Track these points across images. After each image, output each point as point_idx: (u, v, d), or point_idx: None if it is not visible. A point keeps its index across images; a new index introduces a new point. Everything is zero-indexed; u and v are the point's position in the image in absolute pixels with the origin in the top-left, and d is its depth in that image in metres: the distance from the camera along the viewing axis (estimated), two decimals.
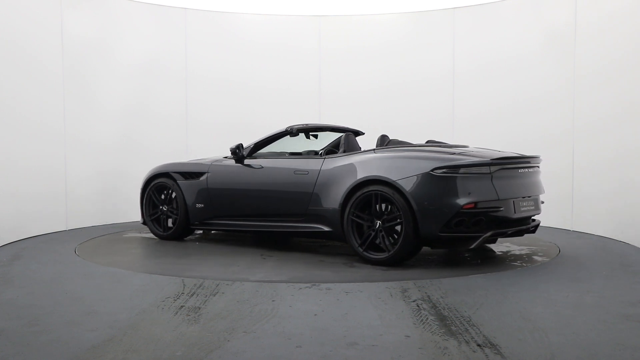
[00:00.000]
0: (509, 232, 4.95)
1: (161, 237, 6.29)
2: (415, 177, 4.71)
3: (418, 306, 3.56)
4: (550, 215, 7.27)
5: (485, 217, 4.66)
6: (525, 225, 5.06)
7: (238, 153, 5.88)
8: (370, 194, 4.87)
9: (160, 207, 6.34)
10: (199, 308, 3.52)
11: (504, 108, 7.84)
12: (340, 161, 5.21)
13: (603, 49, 6.47)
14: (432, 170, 4.66)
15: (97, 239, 6.28)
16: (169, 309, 3.48)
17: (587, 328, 3.13)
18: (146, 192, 6.44)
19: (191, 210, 6.08)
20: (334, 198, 5.09)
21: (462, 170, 4.65)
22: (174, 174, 6.27)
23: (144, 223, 6.47)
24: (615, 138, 6.24)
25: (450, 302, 3.64)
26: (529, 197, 5.02)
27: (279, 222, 5.52)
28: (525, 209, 4.97)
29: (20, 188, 6.27)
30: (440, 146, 5.37)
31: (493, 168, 4.73)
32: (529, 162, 5.11)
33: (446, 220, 4.59)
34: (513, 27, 7.74)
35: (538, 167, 5.28)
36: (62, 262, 5.02)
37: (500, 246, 5.71)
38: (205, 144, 8.03)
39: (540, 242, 5.99)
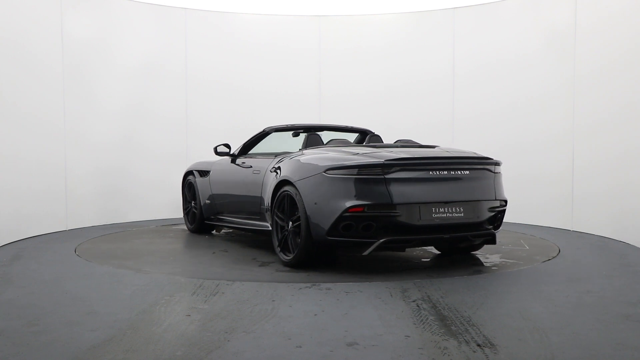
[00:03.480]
0: (421, 242, 4.52)
1: (189, 230, 6.92)
2: (311, 178, 4.58)
3: (418, 306, 3.56)
4: (550, 215, 7.27)
5: (376, 222, 4.30)
6: (447, 234, 4.47)
7: (220, 152, 6.26)
8: (284, 195, 4.87)
9: (190, 202, 6.99)
10: (199, 308, 3.52)
11: (504, 108, 7.84)
12: (278, 161, 5.26)
13: (603, 49, 6.47)
14: (324, 171, 4.47)
15: (97, 239, 6.29)
16: (169, 309, 3.48)
17: (587, 328, 3.12)
18: (182, 189, 7.15)
19: (203, 206, 6.63)
20: (268, 197, 5.20)
21: (351, 171, 4.37)
22: (195, 172, 6.88)
23: None
24: (615, 138, 6.24)
25: (450, 302, 3.64)
26: (452, 202, 4.46)
27: (247, 220, 5.72)
28: (444, 215, 4.42)
29: (20, 188, 6.27)
30: (392, 146, 5.20)
31: (389, 170, 4.34)
32: (452, 164, 4.56)
33: (331, 223, 4.34)
34: (513, 27, 7.74)
35: (486, 169, 4.72)
36: (62, 262, 5.02)
37: (501, 246, 5.71)
38: (205, 144, 8.02)
39: (540, 242, 5.99)
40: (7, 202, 6.05)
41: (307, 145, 5.43)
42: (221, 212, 6.33)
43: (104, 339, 2.93)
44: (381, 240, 4.30)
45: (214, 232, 6.85)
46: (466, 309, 3.48)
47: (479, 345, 2.85)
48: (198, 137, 8.41)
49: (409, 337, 2.98)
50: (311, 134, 5.57)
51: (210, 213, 6.51)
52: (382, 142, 5.86)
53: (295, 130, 6.12)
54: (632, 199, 5.91)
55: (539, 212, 7.44)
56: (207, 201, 6.52)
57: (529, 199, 7.56)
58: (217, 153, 6.31)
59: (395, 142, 5.57)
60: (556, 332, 3.04)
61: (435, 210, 4.40)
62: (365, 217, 4.30)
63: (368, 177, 4.34)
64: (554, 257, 5.19)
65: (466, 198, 4.54)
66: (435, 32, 8.41)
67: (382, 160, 4.38)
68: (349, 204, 4.29)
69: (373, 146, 5.05)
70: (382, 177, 4.33)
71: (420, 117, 8.45)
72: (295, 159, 4.94)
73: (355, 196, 4.31)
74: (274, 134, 6.12)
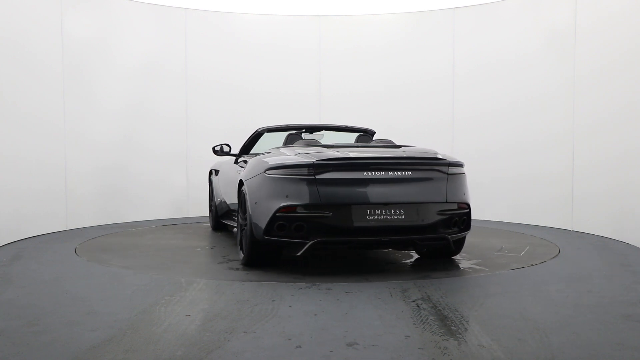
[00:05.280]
0: (356, 244, 4.41)
1: (211, 228, 7.11)
2: (255, 177, 4.60)
3: (418, 306, 3.56)
4: (550, 215, 7.27)
5: (306, 222, 4.25)
6: (386, 237, 4.33)
7: (217, 152, 6.36)
8: (242, 194, 4.92)
9: (211, 200, 7.13)
10: (199, 308, 3.52)
11: (504, 108, 7.84)
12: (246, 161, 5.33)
13: (603, 49, 6.47)
14: (264, 171, 4.48)
15: (97, 239, 6.29)
16: (169, 309, 3.48)
17: (587, 328, 3.12)
18: (208, 187, 7.31)
19: (217, 205, 6.77)
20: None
21: (285, 171, 4.35)
22: (213, 171, 7.06)
23: None
24: (615, 138, 6.24)
25: (450, 302, 3.64)
26: (390, 204, 4.29)
27: (237, 219, 5.72)
28: (381, 218, 4.27)
29: (20, 188, 6.27)
30: (349, 146, 5.19)
31: (320, 170, 4.28)
32: (390, 165, 4.40)
33: (266, 222, 4.32)
34: (513, 27, 7.74)
35: (435, 170, 4.51)
36: (62, 262, 5.02)
37: (503, 243, 5.71)
38: (205, 144, 8.03)
39: (540, 242, 5.99)
40: (7, 202, 6.05)
41: (285, 144, 5.48)
42: (227, 210, 6.40)
43: (104, 339, 2.92)
44: (312, 242, 4.23)
45: (234, 230, 6.78)
46: (466, 309, 3.48)
47: (479, 345, 2.85)
48: (198, 137, 8.41)
49: (409, 337, 2.98)
50: (291, 134, 5.60)
51: (221, 211, 6.63)
52: (370, 141, 5.87)
53: (288, 130, 6.14)
54: (632, 199, 5.91)
55: (539, 212, 7.44)
56: (218, 200, 6.66)
57: (529, 199, 7.57)
58: (215, 153, 6.37)
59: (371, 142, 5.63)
60: (556, 332, 3.04)
61: (370, 212, 4.27)
62: (297, 218, 4.26)
63: (300, 178, 4.30)
64: (554, 257, 5.19)
65: (407, 200, 4.33)
66: (435, 32, 8.41)
67: (312, 161, 4.33)
68: (281, 204, 4.28)
69: (326, 146, 5.00)
70: (313, 177, 4.28)
71: (420, 117, 8.45)
72: (253, 159, 4.99)
73: (287, 196, 4.28)
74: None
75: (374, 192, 4.30)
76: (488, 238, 6.31)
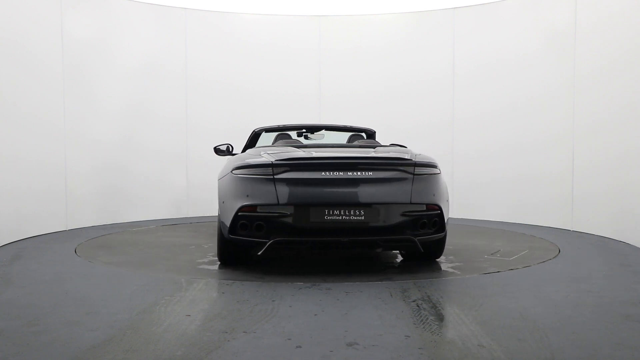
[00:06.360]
0: (315, 244, 4.37)
1: None
2: (225, 177, 4.64)
3: (418, 306, 3.56)
4: (550, 215, 7.27)
5: (265, 222, 4.27)
6: (345, 238, 4.27)
7: (220, 152, 6.23)
8: None
9: None
10: (199, 308, 3.52)
11: (504, 108, 7.84)
12: None
13: (603, 49, 6.47)
14: (231, 170, 4.52)
15: (97, 239, 6.28)
16: (169, 309, 3.48)
17: (587, 328, 3.12)
18: None
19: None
20: None
21: (248, 171, 4.40)
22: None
23: None
24: (615, 138, 6.24)
25: (450, 302, 3.64)
26: (349, 205, 4.24)
27: None
28: (339, 218, 4.24)
29: (20, 188, 6.28)
30: (320, 146, 5.18)
31: (278, 170, 4.30)
32: (350, 165, 4.35)
33: (230, 221, 4.37)
34: (513, 27, 7.75)
35: (400, 170, 4.41)
36: (62, 262, 5.02)
37: (501, 245, 5.71)
38: (205, 144, 8.03)
39: (540, 242, 5.99)
40: (7, 202, 6.05)
41: (273, 143, 5.49)
42: None
43: (104, 339, 2.92)
44: (271, 241, 4.24)
45: None
46: (466, 309, 3.48)
47: (479, 345, 2.85)
48: (198, 137, 8.41)
49: (409, 337, 2.98)
50: (280, 134, 5.61)
51: None
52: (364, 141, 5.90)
53: (285, 130, 6.14)
54: (632, 199, 5.91)
55: (539, 212, 7.44)
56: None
57: (529, 199, 7.57)
58: (217, 153, 6.32)
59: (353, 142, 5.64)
60: (556, 332, 3.04)
61: (328, 212, 4.23)
62: (257, 217, 4.29)
63: (260, 177, 4.33)
64: (554, 257, 5.18)
65: (367, 201, 4.27)
66: (435, 32, 8.41)
67: (271, 161, 4.37)
68: (242, 203, 4.32)
69: (306, 146, 5.04)
70: (272, 177, 4.31)
71: (420, 117, 8.45)
72: (228, 159, 5.01)
73: (247, 196, 4.32)
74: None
75: (333, 193, 4.28)
76: (488, 239, 6.30)
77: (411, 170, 4.43)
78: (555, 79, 7.16)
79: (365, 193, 4.29)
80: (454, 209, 8.31)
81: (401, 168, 4.42)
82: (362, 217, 4.25)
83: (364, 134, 6.21)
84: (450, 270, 4.66)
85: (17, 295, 3.86)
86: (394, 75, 8.58)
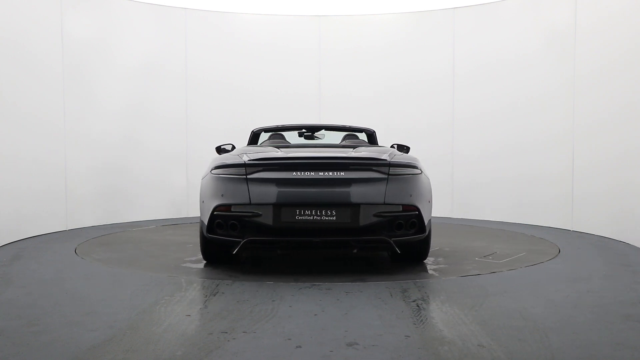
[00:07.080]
0: (287, 244, 4.38)
1: None
2: (206, 177, 4.67)
3: (418, 306, 3.56)
4: (550, 215, 7.27)
5: (238, 221, 4.31)
6: (317, 238, 4.26)
7: (222, 152, 6.13)
8: None
9: None
10: (199, 308, 3.52)
11: (504, 108, 7.84)
12: None
13: (603, 49, 6.47)
14: (211, 170, 4.58)
15: (97, 239, 6.28)
16: (169, 309, 3.48)
17: (587, 328, 3.12)
18: None
19: None
20: None
21: (223, 171, 4.45)
22: None
23: None
24: (615, 138, 6.24)
25: (450, 302, 3.64)
26: (321, 205, 4.22)
27: None
28: (310, 219, 4.23)
29: (20, 188, 6.28)
30: (299, 146, 5.19)
31: (251, 170, 4.33)
32: (321, 166, 4.34)
33: (207, 221, 4.43)
34: (513, 27, 7.75)
35: (373, 171, 4.36)
36: (62, 262, 5.02)
37: (500, 247, 5.71)
38: (205, 144, 8.04)
39: (540, 242, 5.99)
40: (7, 202, 6.05)
41: (260, 143, 5.50)
42: None
43: (104, 339, 2.92)
44: (244, 241, 4.26)
45: None
46: (466, 309, 3.48)
47: (479, 345, 2.85)
48: (198, 137, 8.41)
49: (409, 337, 2.97)
50: (274, 134, 5.61)
51: None
52: (356, 139, 5.91)
53: (283, 130, 6.13)
54: (632, 199, 5.91)
55: (539, 212, 7.44)
56: None
57: (529, 199, 7.57)
58: (218, 152, 6.25)
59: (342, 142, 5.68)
60: (556, 332, 3.04)
61: (299, 212, 4.24)
62: (231, 217, 4.33)
63: (234, 177, 4.37)
64: (554, 257, 5.18)
65: (337, 201, 4.24)
66: (435, 32, 8.41)
67: (244, 161, 4.42)
68: (217, 202, 4.37)
69: (279, 146, 5.08)
70: (245, 177, 4.34)
71: (420, 117, 8.45)
72: (214, 158, 5.03)
73: (222, 195, 4.36)
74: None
75: (303, 193, 4.27)
76: (487, 240, 6.30)
77: (386, 171, 4.38)
78: (555, 79, 7.16)
79: (336, 193, 4.26)
80: (454, 209, 8.31)
81: (375, 168, 4.38)
82: (334, 218, 4.23)
83: (362, 134, 6.20)
84: (450, 270, 4.66)
85: (17, 295, 3.86)
86: (394, 75, 8.58)
